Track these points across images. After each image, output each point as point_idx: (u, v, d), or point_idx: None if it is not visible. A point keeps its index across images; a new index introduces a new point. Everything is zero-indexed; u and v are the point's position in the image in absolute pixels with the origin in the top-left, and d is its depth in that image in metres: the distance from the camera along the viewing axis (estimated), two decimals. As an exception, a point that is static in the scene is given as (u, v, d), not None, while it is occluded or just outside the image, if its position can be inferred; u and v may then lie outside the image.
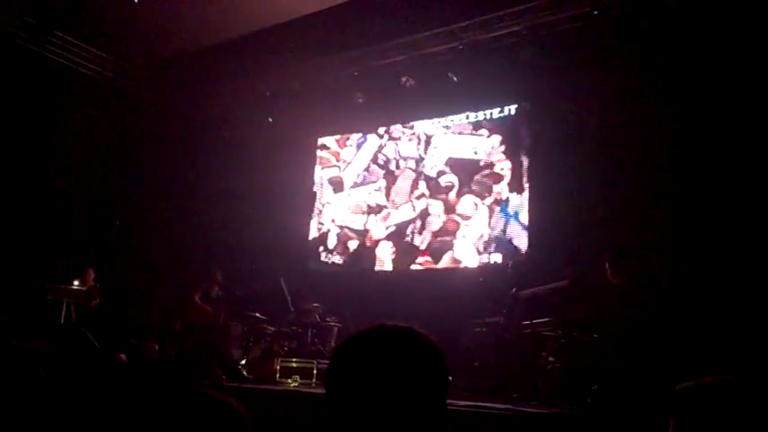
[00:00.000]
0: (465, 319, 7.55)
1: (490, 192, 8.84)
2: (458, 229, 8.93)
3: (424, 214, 9.33)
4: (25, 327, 6.62)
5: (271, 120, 10.23)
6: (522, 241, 8.36)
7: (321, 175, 10.57)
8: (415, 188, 9.55)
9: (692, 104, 7.09)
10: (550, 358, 5.92)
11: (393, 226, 9.61)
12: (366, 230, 9.83)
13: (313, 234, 10.35)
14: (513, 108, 8.89)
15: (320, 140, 10.65)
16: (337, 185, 10.41)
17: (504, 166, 8.81)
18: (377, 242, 9.68)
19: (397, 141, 9.91)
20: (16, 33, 9.11)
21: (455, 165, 9.27)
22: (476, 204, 8.90)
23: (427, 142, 9.61)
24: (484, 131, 9.08)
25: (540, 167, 8.42)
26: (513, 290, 6.98)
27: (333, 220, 10.25)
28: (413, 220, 9.43)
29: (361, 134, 10.33)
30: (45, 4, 8.13)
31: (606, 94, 7.67)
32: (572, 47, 7.97)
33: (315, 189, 10.55)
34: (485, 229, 8.74)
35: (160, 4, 7.93)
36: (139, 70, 10.68)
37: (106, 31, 9.30)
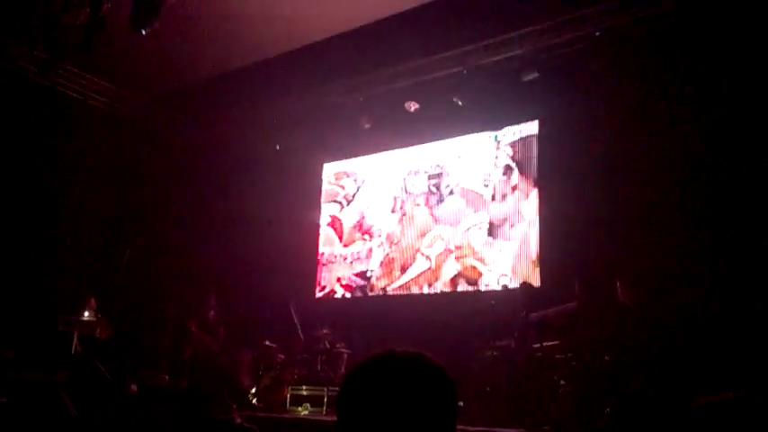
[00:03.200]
0: (475, 344, 7.50)
1: (504, 221, 8.81)
2: (480, 277, 8.83)
3: (439, 263, 9.24)
4: (38, 358, 6.62)
5: (278, 147, 10.30)
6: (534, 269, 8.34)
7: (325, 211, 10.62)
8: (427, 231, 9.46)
9: (700, 121, 7.10)
10: (562, 382, 5.88)
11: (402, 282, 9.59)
12: (372, 285, 9.84)
13: (318, 294, 10.28)
14: (519, 129, 8.93)
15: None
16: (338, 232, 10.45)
17: (514, 188, 8.82)
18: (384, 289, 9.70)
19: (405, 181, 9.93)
20: (27, 68, 9.27)
21: (469, 198, 9.26)
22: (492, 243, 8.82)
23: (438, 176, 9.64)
24: (494, 158, 9.10)
25: (548, 188, 8.42)
26: (524, 313, 6.96)
27: (338, 279, 10.23)
28: (424, 272, 9.37)
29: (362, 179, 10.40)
30: (55, 39, 8.25)
31: (614, 114, 7.69)
32: (576, 68, 8.02)
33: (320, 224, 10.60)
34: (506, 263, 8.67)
35: (167, 37, 8.02)
36: (148, 101, 10.81)
37: (114, 64, 9.43)
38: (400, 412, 1.24)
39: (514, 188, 8.79)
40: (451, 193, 9.36)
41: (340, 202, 10.54)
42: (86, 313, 8.23)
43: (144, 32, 7.48)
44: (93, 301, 8.50)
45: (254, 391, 8.05)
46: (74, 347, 7.59)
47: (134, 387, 7.33)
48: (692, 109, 7.12)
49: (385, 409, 1.24)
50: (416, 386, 1.27)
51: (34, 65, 9.17)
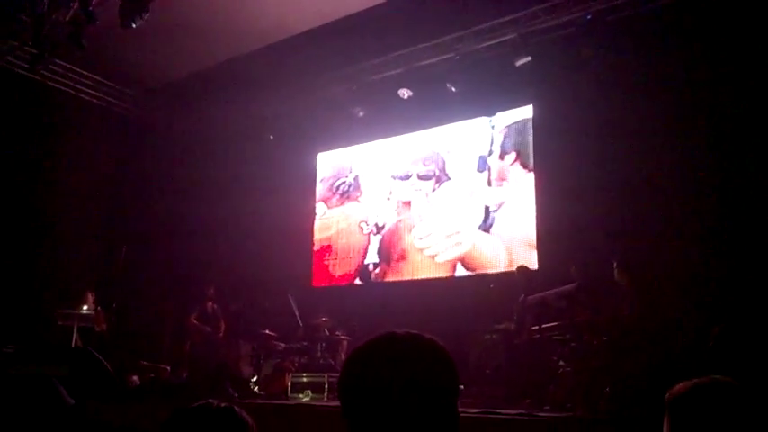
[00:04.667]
0: (475, 327, 7.55)
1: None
2: (477, 261, 8.88)
3: (437, 249, 9.27)
4: (38, 353, 6.64)
5: (271, 137, 10.29)
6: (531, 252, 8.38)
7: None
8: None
9: (694, 102, 7.12)
10: (561, 363, 5.92)
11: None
12: (370, 273, 9.90)
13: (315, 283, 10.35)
14: (514, 114, 8.94)
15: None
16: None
17: (510, 172, 8.84)
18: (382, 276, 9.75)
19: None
20: (15, 63, 9.24)
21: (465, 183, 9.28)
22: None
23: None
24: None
25: (544, 172, 8.44)
26: (522, 295, 7.00)
27: (333, 266, 10.30)
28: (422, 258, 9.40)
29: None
30: (44, 34, 8.21)
31: (607, 96, 7.70)
32: (569, 52, 8.02)
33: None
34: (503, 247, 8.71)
35: (157, 29, 8.00)
36: (140, 95, 10.79)
37: (106, 58, 9.40)
38: (402, 392, 1.25)
39: (510, 172, 8.80)
40: (448, 178, 9.37)
41: (335, 191, 10.55)
42: (85, 307, 8.24)
43: (134, 26, 7.47)
44: (91, 294, 8.51)
45: (255, 379, 8.09)
46: (74, 341, 7.62)
47: (135, 379, 7.40)
48: (687, 91, 7.14)
49: (387, 390, 1.26)
50: (418, 366, 1.28)
51: (24, 60, 9.13)
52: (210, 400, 1.55)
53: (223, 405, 1.56)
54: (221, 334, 8.77)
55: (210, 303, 8.86)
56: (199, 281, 9.25)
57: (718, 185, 6.87)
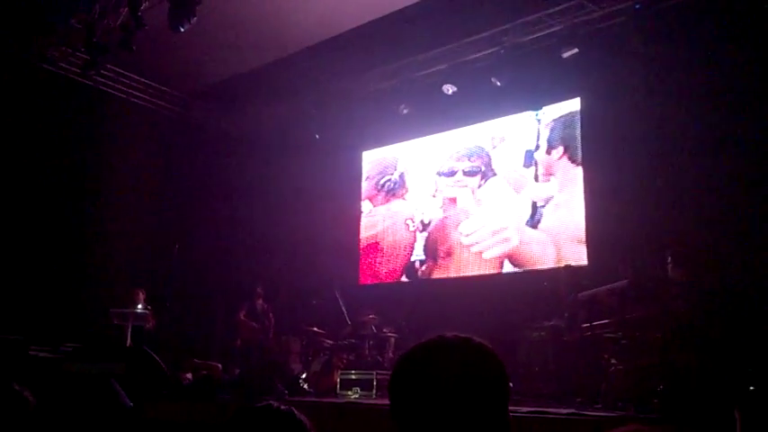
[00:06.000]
0: (523, 324, 7.48)
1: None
2: (525, 258, 8.80)
3: (484, 246, 9.21)
4: (95, 351, 6.83)
5: (318, 136, 10.37)
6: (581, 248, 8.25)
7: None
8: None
9: (749, 93, 6.89)
10: (612, 360, 5.81)
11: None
12: (417, 269, 9.92)
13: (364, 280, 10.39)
14: (561, 107, 8.81)
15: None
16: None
17: (557, 167, 8.72)
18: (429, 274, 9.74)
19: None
20: (69, 69, 9.52)
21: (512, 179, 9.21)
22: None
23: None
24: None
25: (592, 166, 8.29)
26: (573, 293, 6.89)
27: (380, 264, 10.34)
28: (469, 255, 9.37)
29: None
30: (95, 40, 8.45)
31: (656, 87, 7.51)
32: (616, 42, 7.85)
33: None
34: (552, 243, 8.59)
35: (204, 33, 8.13)
36: (186, 97, 11.01)
37: (154, 62, 9.62)
38: (452, 396, 1.26)
39: (558, 167, 8.68)
40: (494, 174, 9.30)
41: (381, 189, 10.57)
42: (139, 306, 8.42)
43: (182, 30, 7.62)
44: (141, 293, 8.69)
45: (304, 376, 8.17)
46: (128, 340, 7.80)
47: (188, 376, 7.55)
48: (742, 82, 6.91)
49: (437, 394, 1.26)
50: (467, 370, 1.28)
51: (76, 66, 9.40)
52: (271, 402, 1.62)
53: (283, 407, 1.62)
54: (271, 332, 8.89)
55: (260, 301, 9.01)
56: (248, 279, 9.39)
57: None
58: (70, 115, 9.53)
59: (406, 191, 10.26)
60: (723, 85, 7.02)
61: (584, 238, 8.16)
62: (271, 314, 9.08)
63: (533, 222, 8.73)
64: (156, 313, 8.27)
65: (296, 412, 1.65)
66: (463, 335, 1.36)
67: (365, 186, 10.77)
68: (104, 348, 7.07)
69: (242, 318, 8.91)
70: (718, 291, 5.65)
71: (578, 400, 5.94)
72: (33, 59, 9.23)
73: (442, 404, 1.25)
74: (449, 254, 9.48)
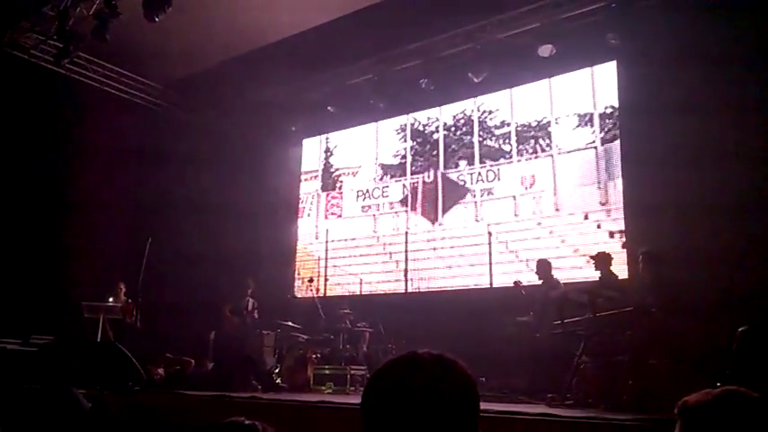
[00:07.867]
0: (496, 321, 7.52)
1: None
2: None
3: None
4: (65, 346, 6.74)
5: (294, 128, 10.31)
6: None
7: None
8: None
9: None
10: (583, 357, 5.88)
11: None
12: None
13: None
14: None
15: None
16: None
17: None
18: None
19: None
20: (41, 56, 9.34)
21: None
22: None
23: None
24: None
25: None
26: (544, 289, 6.96)
27: None
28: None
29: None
30: (68, 29, 8.31)
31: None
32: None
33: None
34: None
35: (180, 22, 8.03)
36: (162, 87, 10.87)
37: (129, 51, 9.47)
38: (422, 413, 1.27)
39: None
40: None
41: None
42: (111, 299, 8.33)
43: (157, 19, 7.52)
44: (122, 286, 8.59)
45: (277, 371, 8.14)
46: (100, 333, 7.71)
47: (161, 371, 7.48)
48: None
49: (408, 411, 1.27)
50: (438, 387, 1.29)
51: (49, 54, 9.22)
52: (237, 419, 1.61)
53: (247, 422, 1.61)
54: (254, 324, 8.81)
55: (248, 298, 8.93)
56: (232, 273, 9.28)
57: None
58: (42, 104, 9.36)
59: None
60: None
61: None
62: (256, 311, 8.97)
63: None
64: (135, 306, 8.18)
65: (259, 428, 1.64)
66: (435, 351, 1.37)
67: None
68: (74, 344, 6.98)
69: (226, 313, 8.76)
70: (688, 291, 5.75)
71: (549, 395, 6.00)
72: (4, 46, 9.03)
73: (412, 420, 1.26)
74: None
